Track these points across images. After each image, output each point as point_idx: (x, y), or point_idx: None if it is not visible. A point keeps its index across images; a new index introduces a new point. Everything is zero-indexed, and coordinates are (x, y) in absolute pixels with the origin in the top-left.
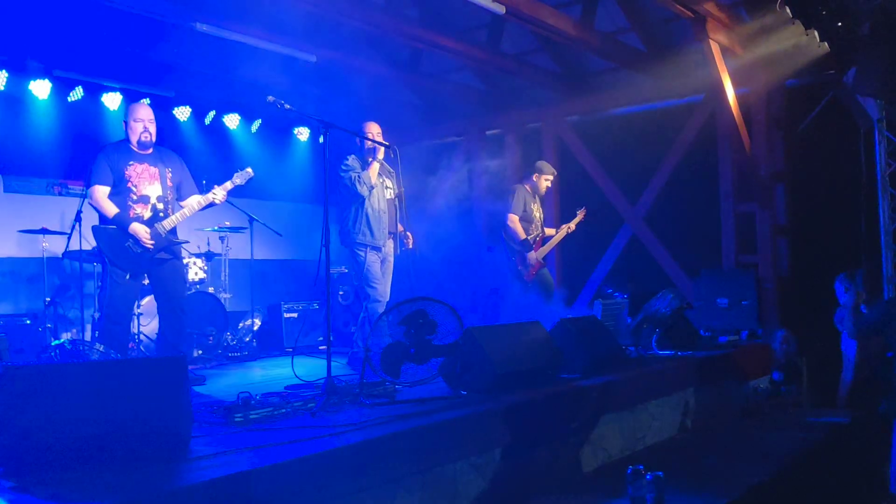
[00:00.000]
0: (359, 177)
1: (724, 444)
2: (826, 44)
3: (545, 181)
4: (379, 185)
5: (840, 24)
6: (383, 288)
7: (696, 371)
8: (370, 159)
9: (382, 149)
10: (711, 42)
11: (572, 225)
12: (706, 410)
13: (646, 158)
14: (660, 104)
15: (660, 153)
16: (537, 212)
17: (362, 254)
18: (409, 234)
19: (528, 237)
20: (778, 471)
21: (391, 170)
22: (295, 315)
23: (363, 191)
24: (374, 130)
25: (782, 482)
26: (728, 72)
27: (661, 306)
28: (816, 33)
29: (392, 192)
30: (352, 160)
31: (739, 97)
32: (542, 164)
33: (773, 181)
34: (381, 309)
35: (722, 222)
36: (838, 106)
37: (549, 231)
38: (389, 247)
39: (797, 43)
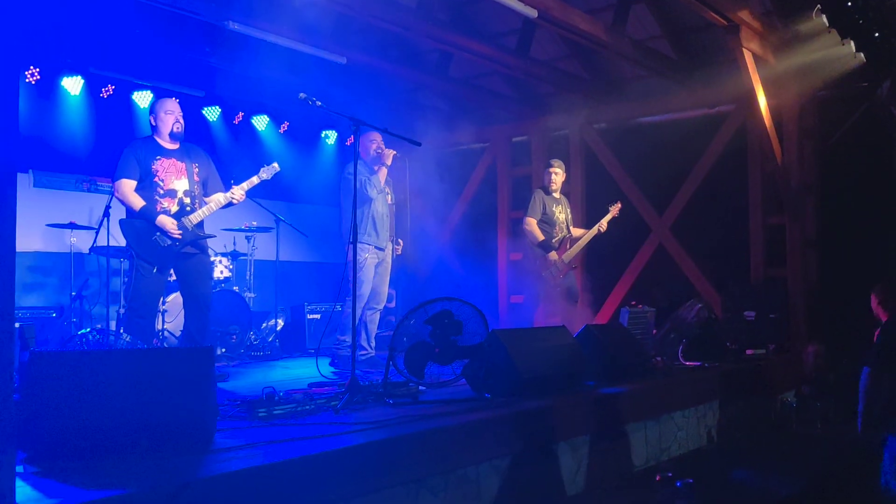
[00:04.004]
0: (369, 180)
1: (752, 457)
2: (861, 55)
3: (553, 174)
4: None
5: (877, 34)
6: (379, 290)
7: (724, 383)
8: (375, 167)
9: (391, 156)
10: (745, 50)
11: (604, 223)
12: (733, 423)
13: (674, 168)
14: (690, 113)
15: (688, 163)
16: (560, 214)
17: (363, 253)
18: (399, 240)
19: (553, 240)
20: (807, 485)
21: (390, 179)
22: (318, 316)
23: (373, 193)
24: (378, 139)
25: (812, 496)
26: (760, 81)
27: (689, 316)
28: (853, 43)
29: (390, 197)
30: (358, 165)
31: (771, 107)
32: (552, 160)
33: (804, 193)
34: (376, 308)
35: (750, 234)
36: (871, 118)
37: (579, 232)
38: (389, 249)
39: (831, 53)
